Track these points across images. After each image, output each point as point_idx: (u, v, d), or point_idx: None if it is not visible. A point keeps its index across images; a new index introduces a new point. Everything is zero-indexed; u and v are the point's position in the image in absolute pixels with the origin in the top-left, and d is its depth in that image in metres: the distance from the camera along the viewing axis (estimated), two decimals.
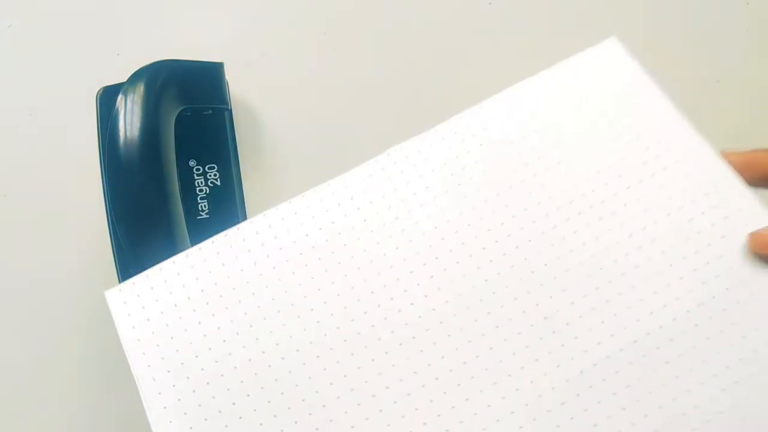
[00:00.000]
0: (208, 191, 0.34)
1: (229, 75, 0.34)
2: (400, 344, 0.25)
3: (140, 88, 0.30)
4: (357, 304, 0.25)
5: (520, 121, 0.27)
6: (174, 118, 0.31)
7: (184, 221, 0.31)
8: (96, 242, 0.35)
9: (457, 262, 0.26)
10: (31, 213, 0.35)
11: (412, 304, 0.25)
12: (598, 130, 0.27)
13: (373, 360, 0.24)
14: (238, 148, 0.35)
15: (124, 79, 0.31)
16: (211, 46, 0.36)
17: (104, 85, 0.34)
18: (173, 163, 0.30)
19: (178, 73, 0.32)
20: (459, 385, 0.24)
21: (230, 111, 0.35)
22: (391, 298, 0.25)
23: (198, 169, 0.34)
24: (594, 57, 0.28)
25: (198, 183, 0.34)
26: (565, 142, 0.27)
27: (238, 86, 0.36)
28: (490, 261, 0.26)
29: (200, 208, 0.34)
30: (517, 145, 0.27)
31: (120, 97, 0.30)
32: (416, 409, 0.24)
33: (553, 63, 0.38)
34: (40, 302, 0.35)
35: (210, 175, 0.34)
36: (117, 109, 0.30)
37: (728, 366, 0.24)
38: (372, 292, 0.25)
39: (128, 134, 0.29)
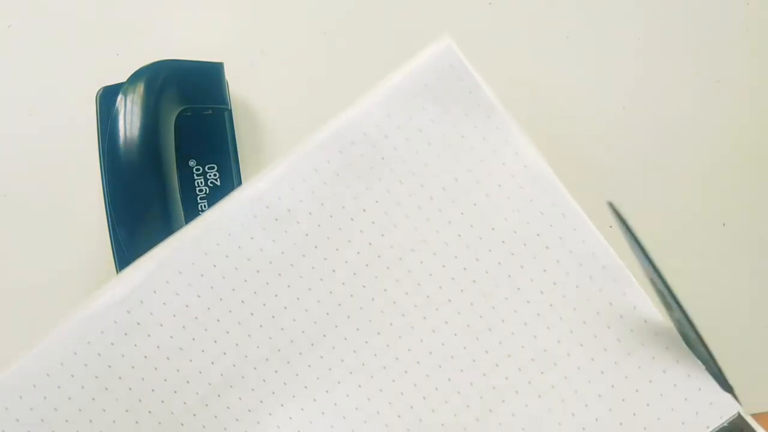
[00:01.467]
0: (208, 191, 0.34)
1: (229, 75, 0.34)
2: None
3: (140, 88, 0.30)
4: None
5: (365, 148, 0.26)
6: (174, 118, 0.31)
7: (184, 221, 0.31)
8: (96, 242, 0.35)
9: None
10: (31, 213, 0.35)
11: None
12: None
13: None
14: (238, 148, 0.35)
15: (124, 79, 0.31)
16: (211, 46, 0.36)
17: (104, 85, 0.34)
18: (173, 163, 0.30)
19: (178, 73, 0.32)
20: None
21: (230, 111, 0.35)
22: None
23: (198, 169, 0.34)
24: (432, 71, 0.26)
25: (198, 183, 0.34)
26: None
27: (238, 86, 0.36)
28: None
29: (200, 208, 0.34)
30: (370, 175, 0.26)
31: (120, 97, 0.30)
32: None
33: (554, 65, 0.38)
34: (40, 302, 0.35)
35: (210, 175, 0.34)
36: (117, 109, 0.30)
37: None
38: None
39: (128, 134, 0.29)
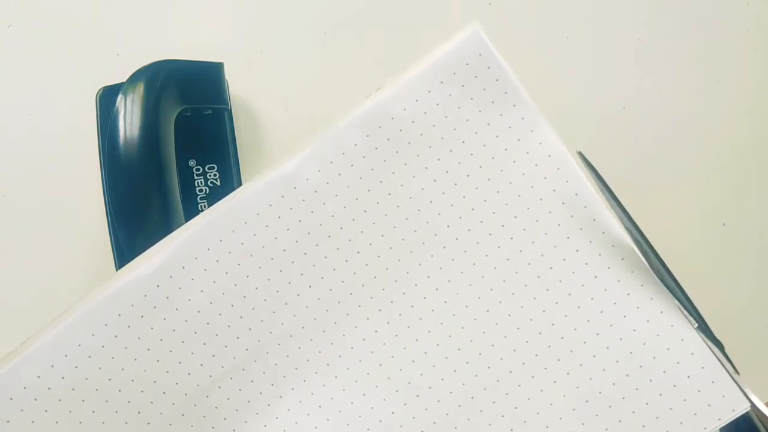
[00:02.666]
0: (208, 191, 0.34)
1: (229, 75, 0.34)
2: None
3: (140, 88, 0.30)
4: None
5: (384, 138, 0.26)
6: (174, 118, 0.31)
7: (184, 221, 0.31)
8: (96, 242, 0.35)
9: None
10: (31, 213, 0.35)
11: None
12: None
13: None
14: (238, 148, 0.35)
15: (124, 79, 0.31)
16: (211, 46, 0.36)
17: (104, 85, 0.34)
18: (173, 163, 0.30)
19: (178, 73, 0.32)
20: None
21: (230, 111, 0.35)
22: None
23: (198, 169, 0.34)
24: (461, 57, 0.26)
25: (198, 183, 0.34)
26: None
27: (238, 86, 0.36)
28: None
29: (200, 208, 0.34)
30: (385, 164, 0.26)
31: (120, 97, 0.30)
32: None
33: (555, 65, 0.38)
34: (40, 302, 0.35)
35: (210, 175, 0.34)
36: (117, 109, 0.30)
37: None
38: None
39: (128, 134, 0.29)
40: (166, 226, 0.30)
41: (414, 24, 0.37)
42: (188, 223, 0.26)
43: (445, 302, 0.26)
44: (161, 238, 0.29)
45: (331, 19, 0.37)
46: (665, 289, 0.25)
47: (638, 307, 0.25)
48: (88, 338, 0.25)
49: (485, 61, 0.26)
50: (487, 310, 0.26)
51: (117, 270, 0.33)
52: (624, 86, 0.37)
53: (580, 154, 0.26)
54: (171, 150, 0.30)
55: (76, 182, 0.35)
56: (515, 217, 0.26)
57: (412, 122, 0.26)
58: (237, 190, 0.26)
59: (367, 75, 0.37)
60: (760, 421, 0.25)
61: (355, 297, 0.26)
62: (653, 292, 0.25)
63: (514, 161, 0.26)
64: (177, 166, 0.31)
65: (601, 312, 0.25)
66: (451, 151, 0.26)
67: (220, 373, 0.26)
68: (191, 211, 0.34)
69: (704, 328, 0.25)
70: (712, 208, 0.37)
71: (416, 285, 0.26)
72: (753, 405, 0.25)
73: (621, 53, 0.37)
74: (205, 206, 0.34)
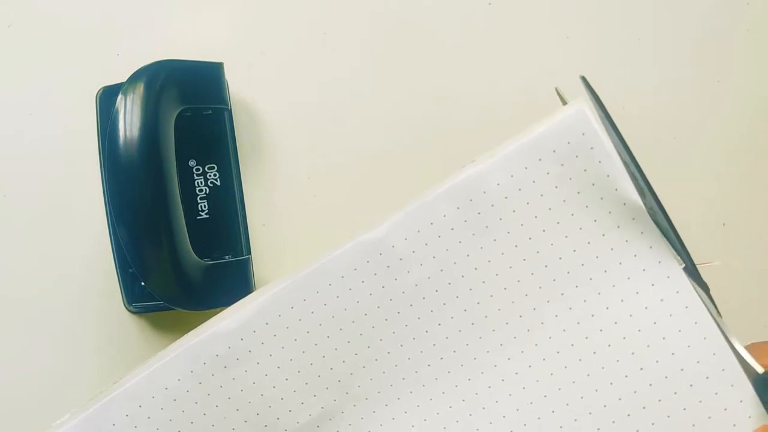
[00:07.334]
0: (207, 191, 0.34)
1: (229, 75, 0.34)
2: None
3: (140, 88, 0.30)
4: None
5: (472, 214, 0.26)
6: (174, 118, 0.31)
7: (183, 221, 0.31)
8: (96, 242, 0.35)
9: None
10: (31, 213, 0.35)
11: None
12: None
13: None
14: (238, 148, 0.35)
15: (124, 79, 0.31)
16: (211, 46, 0.36)
17: (104, 85, 0.34)
18: (173, 163, 0.30)
19: (178, 73, 0.32)
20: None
21: (230, 111, 0.35)
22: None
23: (198, 169, 0.34)
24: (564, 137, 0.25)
25: (198, 183, 0.34)
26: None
27: (238, 86, 0.36)
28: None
29: (200, 208, 0.34)
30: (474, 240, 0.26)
31: (120, 97, 0.30)
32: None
33: (554, 65, 0.38)
34: (40, 302, 0.35)
35: (210, 175, 0.34)
36: (117, 109, 0.30)
37: None
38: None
39: (128, 134, 0.29)
40: (166, 226, 0.30)
41: (413, 24, 0.37)
42: (275, 281, 0.27)
43: (524, 388, 0.26)
44: (161, 238, 0.30)
45: (331, 19, 0.37)
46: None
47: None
48: (174, 383, 0.26)
49: (588, 141, 0.25)
50: (573, 382, 0.26)
51: (117, 270, 0.33)
52: (624, 86, 0.37)
53: (583, 79, 0.24)
54: (171, 150, 0.30)
55: (76, 182, 0.35)
56: (607, 308, 0.25)
57: (505, 198, 0.25)
58: (324, 252, 0.26)
59: (366, 75, 0.37)
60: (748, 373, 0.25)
61: (432, 369, 0.26)
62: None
63: (612, 248, 0.25)
64: (177, 166, 0.31)
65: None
66: (543, 231, 0.25)
67: (295, 428, 0.27)
68: (191, 211, 0.34)
69: (692, 270, 0.25)
70: (712, 208, 0.37)
71: (495, 366, 0.26)
72: (738, 354, 0.25)
73: (621, 53, 0.37)
74: (205, 206, 0.34)
